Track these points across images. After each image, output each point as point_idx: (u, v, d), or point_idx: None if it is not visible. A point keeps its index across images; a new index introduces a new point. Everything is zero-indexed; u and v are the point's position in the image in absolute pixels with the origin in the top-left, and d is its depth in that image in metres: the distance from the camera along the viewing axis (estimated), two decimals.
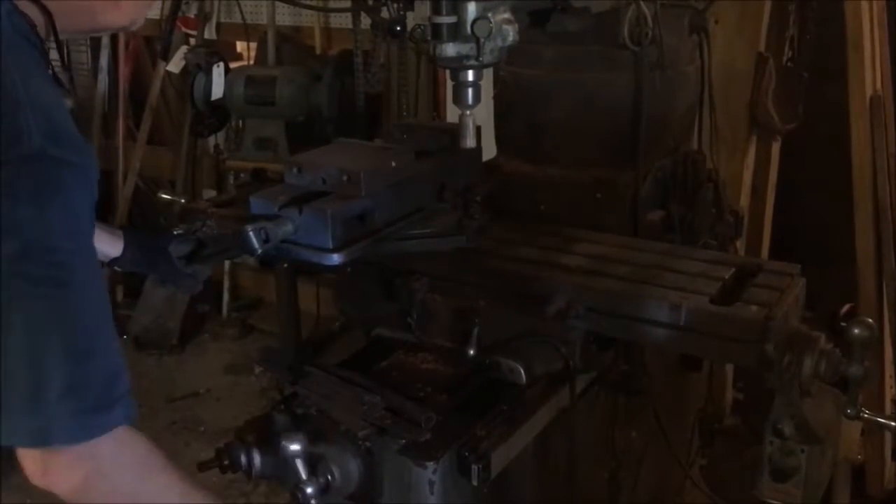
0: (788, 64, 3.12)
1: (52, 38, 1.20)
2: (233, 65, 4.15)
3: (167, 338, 4.44)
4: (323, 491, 1.55)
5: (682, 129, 2.27)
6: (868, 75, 2.86)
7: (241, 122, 4.07)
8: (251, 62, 4.43)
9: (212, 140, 4.55)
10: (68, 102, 1.20)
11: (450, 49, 1.53)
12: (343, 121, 3.79)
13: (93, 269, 1.16)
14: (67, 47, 4.98)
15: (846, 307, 1.58)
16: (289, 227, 1.61)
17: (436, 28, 1.54)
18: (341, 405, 1.61)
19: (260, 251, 1.57)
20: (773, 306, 1.54)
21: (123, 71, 4.78)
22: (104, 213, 4.55)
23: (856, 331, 1.50)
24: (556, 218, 2.05)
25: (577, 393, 1.74)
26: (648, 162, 2.13)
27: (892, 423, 1.55)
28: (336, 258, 1.62)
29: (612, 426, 1.92)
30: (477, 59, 1.54)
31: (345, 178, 1.70)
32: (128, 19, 1.30)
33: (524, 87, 2.17)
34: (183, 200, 2.30)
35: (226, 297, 4.70)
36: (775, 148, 3.36)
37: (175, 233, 1.84)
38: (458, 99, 1.60)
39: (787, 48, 3.11)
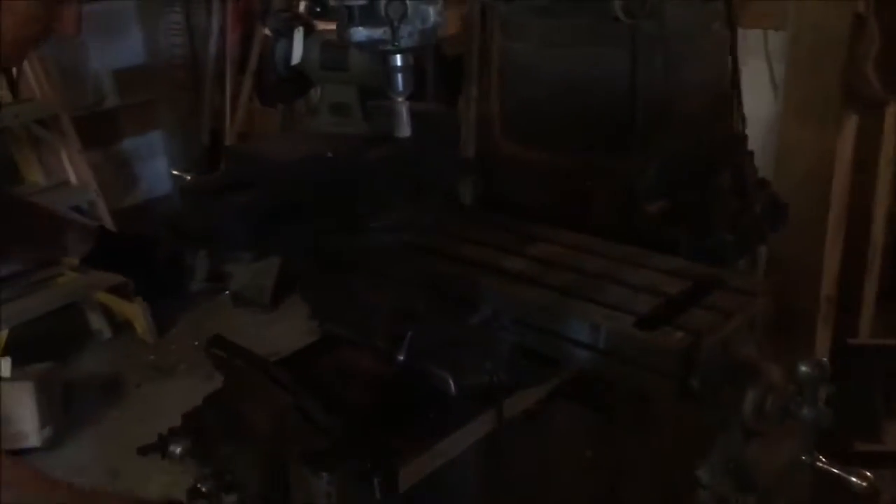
0: None
1: None
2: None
3: (261, 296, 4.58)
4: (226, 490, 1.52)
5: (703, 108, 2.00)
6: None
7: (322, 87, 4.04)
8: None
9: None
10: None
11: (360, 34, 1.42)
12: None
13: None
14: (188, 11, 5.20)
15: None
16: None
17: (347, 10, 1.42)
18: (257, 404, 1.55)
19: None
20: (706, 333, 1.32)
21: (231, 37, 4.91)
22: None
23: (804, 369, 1.27)
24: (540, 207, 1.87)
25: (531, 406, 1.59)
26: (652, 146, 1.90)
27: (852, 479, 1.30)
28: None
29: (575, 444, 1.75)
30: (393, 43, 1.41)
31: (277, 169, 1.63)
32: None
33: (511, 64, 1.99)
34: (188, 177, 2.32)
35: None
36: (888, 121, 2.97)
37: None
38: (389, 85, 1.48)
39: None
